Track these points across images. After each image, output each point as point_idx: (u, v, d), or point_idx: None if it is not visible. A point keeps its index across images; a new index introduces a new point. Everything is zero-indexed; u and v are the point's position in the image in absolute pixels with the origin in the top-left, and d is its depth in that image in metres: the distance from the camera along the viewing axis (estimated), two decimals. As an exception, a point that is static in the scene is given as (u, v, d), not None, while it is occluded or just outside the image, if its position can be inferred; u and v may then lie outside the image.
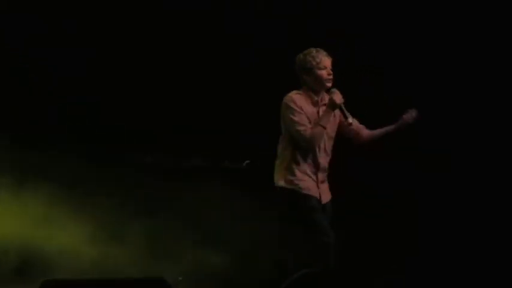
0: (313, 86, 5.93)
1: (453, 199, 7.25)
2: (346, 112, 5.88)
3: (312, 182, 5.90)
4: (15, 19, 7.45)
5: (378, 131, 6.13)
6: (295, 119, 5.83)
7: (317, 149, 5.91)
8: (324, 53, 5.94)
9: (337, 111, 5.95)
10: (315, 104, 5.94)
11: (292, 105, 5.85)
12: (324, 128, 5.84)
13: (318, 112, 5.93)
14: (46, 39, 7.47)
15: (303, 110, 5.86)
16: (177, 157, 7.39)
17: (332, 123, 5.97)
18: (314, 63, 5.89)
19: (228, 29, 7.57)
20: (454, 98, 7.31)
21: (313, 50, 5.95)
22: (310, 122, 5.86)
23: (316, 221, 5.83)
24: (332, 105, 5.84)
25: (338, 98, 5.83)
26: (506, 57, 7.22)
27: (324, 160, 5.97)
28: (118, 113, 7.51)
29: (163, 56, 7.58)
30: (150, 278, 5.39)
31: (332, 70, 5.92)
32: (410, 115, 6.07)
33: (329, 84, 5.91)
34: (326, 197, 6.00)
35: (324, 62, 5.90)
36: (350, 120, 5.89)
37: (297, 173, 5.88)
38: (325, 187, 6.00)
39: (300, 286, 4.88)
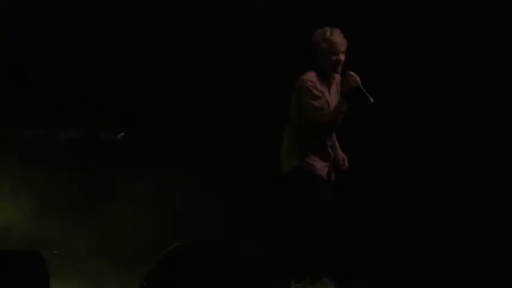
0: (324, 68, 5.84)
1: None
2: (365, 92, 5.73)
3: (324, 163, 5.90)
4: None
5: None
6: (316, 104, 5.76)
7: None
8: (339, 35, 5.84)
9: None
10: (329, 84, 5.88)
11: (313, 90, 5.78)
12: (342, 112, 5.74)
13: (329, 93, 5.86)
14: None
15: (322, 93, 5.80)
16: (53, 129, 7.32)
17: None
18: (325, 46, 5.81)
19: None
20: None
21: (328, 32, 5.85)
22: (328, 105, 5.79)
23: (318, 201, 5.82)
24: (350, 90, 5.72)
25: (354, 81, 5.72)
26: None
27: (333, 139, 5.98)
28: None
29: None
30: (25, 250, 5.39)
31: (343, 54, 5.81)
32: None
33: (337, 71, 5.84)
34: (333, 176, 6.01)
35: (336, 46, 5.80)
36: (371, 99, 5.75)
37: (310, 154, 5.86)
38: (331, 166, 5.99)
39: (172, 259, 5.05)
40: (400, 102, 7.29)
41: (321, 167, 5.90)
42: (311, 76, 5.84)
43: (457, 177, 7.23)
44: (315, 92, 5.77)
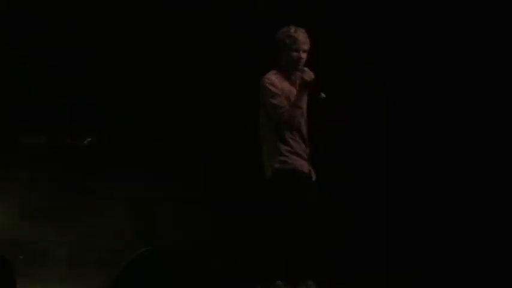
0: (286, 65, 5.89)
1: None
2: (318, 87, 5.77)
3: (302, 161, 5.89)
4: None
5: None
6: (274, 102, 5.79)
7: (301, 127, 5.89)
8: (302, 34, 5.88)
9: None
10: (293, 82, 5.91)
11: (271, 87, 5.82)
12: (300, 107, 5.80)
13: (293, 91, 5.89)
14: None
15: (281, 91, 5.82)
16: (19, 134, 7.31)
17: (304, 100, 5.91)
18: (288, 42, 5.85)
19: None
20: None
21: (292, 29, 5.90)
22: (289, 102, 5.82)
23: (305, 198, 5.79)
24: (304, 84, 5.78)
25: (308, 76, 5.79)
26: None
27: (307, 136, 5.96)
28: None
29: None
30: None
31: (307, 52, 5.84)
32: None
33: (298, 68, 5.85)
34: (314, 174, 5.98)
35: (298, 43, 5.84)
36: (323, 94, 5.77)
37: (288, 153, 5.84)
38: (311, 165, 5.98)
39: (143, 262, 5.06)
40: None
41: (300, 164, 5.86)
42: (270, 74, 5.89)
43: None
44: (273, 89, 5.80)
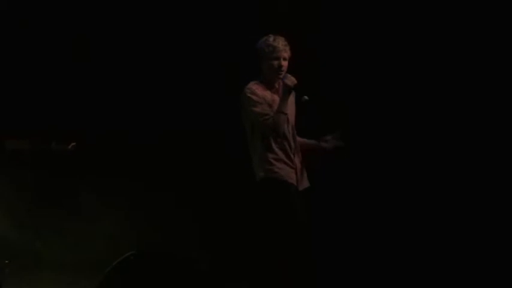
0: (267, 74, 5.88)
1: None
2: (299, 92, 5.75)
3: (289, 169, 5.84)
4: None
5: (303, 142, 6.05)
6: (257, 110, 5.76)
7: (287, 134, 5.85)
8: (282, 42, 5.85)
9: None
10: (275, 90, 5.90)
11: (252, 96, 5.79)
12: (285, 113, 5.77)
13: (274, 99, 5.87)
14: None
15: (263, 99, 5.80)
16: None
17: (291, 108, 5.90)
18: (267, 51, 5.83)
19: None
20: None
21: (271, 38, 5.87)
22: (272, 110, 5.79)
23: (292, 208, 5.73)
24: (286, 89, 5.76)
25: (290, 81, 5.76)
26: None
27: (294, 144, 5.92)
28: None
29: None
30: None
31: (287, 59, 5.82)
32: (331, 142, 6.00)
33: (280, 76, 5.83)
34: (304, 183, 5.94)
35: (277, 51, 5.82)
36: (305, 97, 5.72)
37: (274, 162, 5.80)
38: (303, 173, 5.94)
39: (128, 266, 5.02)
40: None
41: (287, 173, 5.86)
42: (251, 84, 5.88)
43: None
44: (254, 98, 5.78)
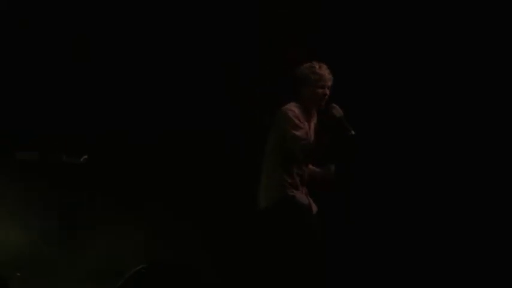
0: (308, 101, 5.84)
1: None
2: (347, 124, 5.68)
3: (302, 194, 5.86)
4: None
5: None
6: (298, 134, 5.70)
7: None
8: (326, 70, 5.86)
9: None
10: (309, 118, 5.88)
11: (295, 119, 5.74)
12: (326, 146, 5.70)
13: (309, 126, 5.86)
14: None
15: (304, 124, 5.78)
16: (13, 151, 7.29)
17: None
18: (313, 78, 5.81)
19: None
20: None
21: (316, 66, 5.86)
22: (308, 136, 5.77)
23: (312, 230, 5.75)
24: (335, 121, 5.68)
25: (338, 112, 5.72)
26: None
27: (306, 170, 5.94)
28: None
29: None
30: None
31: (329, 89, 5.82)
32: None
33: (322, 104, 5.81)
34: (314, 207, 5.95)
35: (324, 80, 5.82)
36: (352, 132, 5.67)
37: (290, 186, 5.79)
38: (311, 199, 5.96)
39: (140, 278, 5.00)
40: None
41: (300, 196, 5.85)
42: (292, 106, 5.82)
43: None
44: (296, 121, 5.74)
